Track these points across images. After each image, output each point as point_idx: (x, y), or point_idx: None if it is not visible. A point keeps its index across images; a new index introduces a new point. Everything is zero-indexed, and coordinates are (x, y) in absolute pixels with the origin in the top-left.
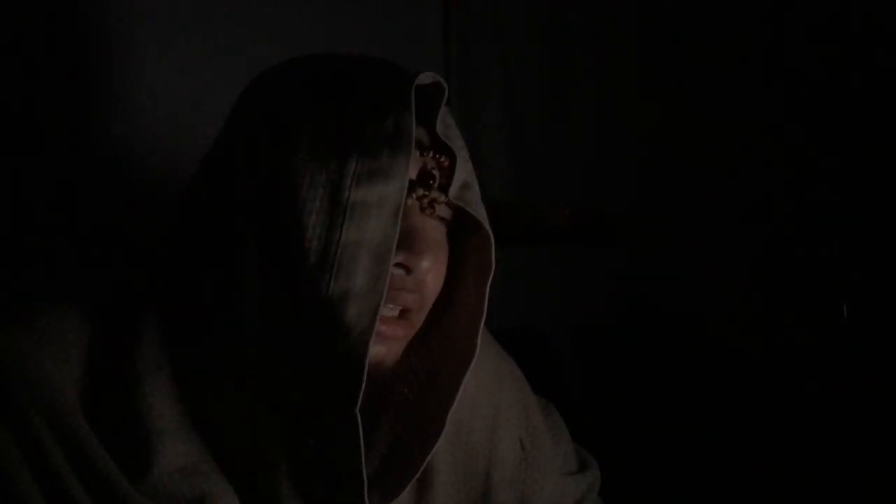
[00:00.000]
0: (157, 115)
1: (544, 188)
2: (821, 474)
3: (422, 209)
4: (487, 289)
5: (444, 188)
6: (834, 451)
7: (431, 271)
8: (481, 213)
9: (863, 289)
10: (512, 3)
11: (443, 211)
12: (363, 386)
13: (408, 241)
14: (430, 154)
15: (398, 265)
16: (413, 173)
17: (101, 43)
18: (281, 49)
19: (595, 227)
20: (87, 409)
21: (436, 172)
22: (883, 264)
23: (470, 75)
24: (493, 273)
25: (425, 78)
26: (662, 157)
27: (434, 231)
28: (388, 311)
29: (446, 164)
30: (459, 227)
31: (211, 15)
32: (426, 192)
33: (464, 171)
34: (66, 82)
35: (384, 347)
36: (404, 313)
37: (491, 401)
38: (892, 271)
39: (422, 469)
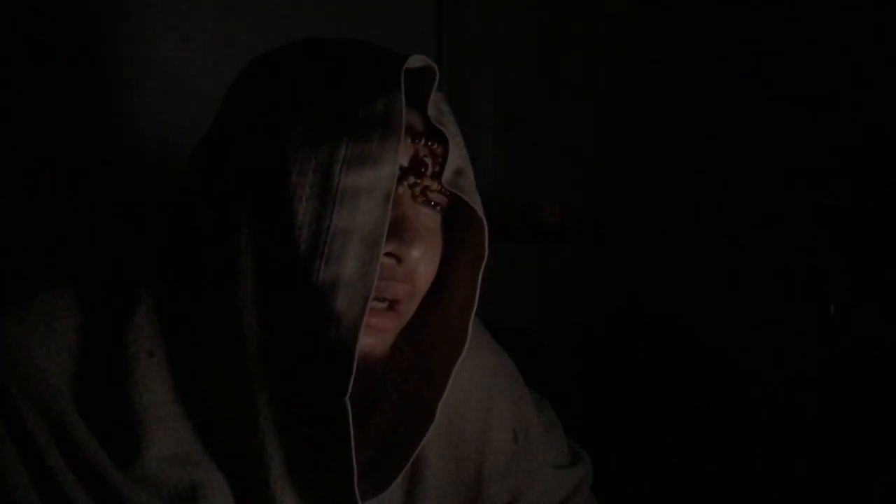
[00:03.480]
0: (151, 101)
1: (536, 186)
2: (807, 471)
3: (413, 197)
4: (480, 277)
5: (436, 175)
6: (819, 448)
7: (422, 261)
8: (476, 200)
9: (849, 287)
10: (505, 2)
11: (437, 198)
12: (353, 374)
13: (399, 229)
14: (423, 141)
15: (388, 254)
16: (405, 160)
17: (99, 23)
18: (273, 33)
19: (586, 226)
20: (77, 395)
21: (428, 160)
22: (868, 263)
23: (462, 71)
24: (485, 260)
25: (416, 61)
26: (654, 157)
27: (426, 219)
28: (377, 303)
29: (439, 150)
30: (454, 213)
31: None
32: (418, 181)
33: (458, 156)
34: (63, 65)
35: (373, 339)
36: (394, 304)
37: (484, 393)
38: (877, 270)
39: (412, 458)
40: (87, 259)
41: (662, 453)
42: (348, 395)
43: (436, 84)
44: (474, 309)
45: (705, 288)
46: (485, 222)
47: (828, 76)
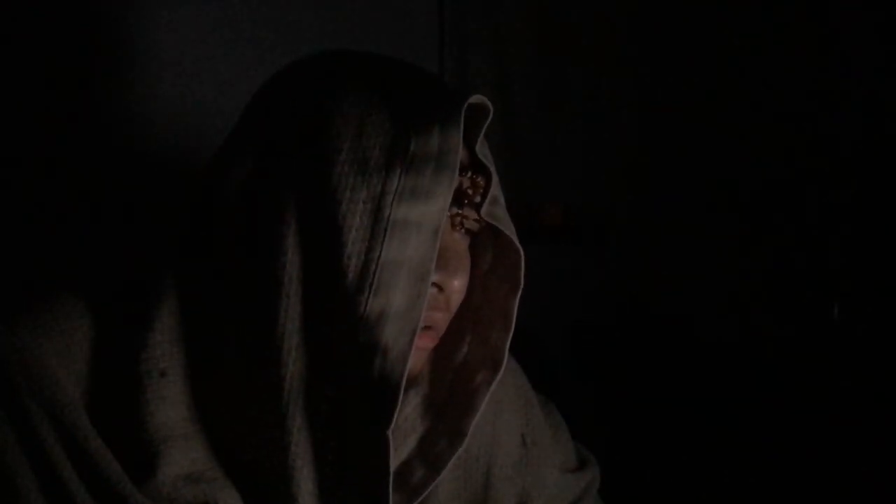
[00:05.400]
0: (164, 104)
1: (537, 186)
2: (809, 471)
3: (453, 226)
4: (516, 304)
5: (475, 205)
6: (821, 448)
7: (461, 290)
8: (511, 230)
9: (853, 289)
10: (507, 3)
11: (472, 226)
12: (398, 408)
13: (442, 260)
14: (468, 173)
15: (432, 284)
16: None
17: (111, 21)
18: (275, 32)
19: (587, 226)
20: (90, 406)
21: (470, 191)
22: (872, 265)
23: (463, 73)
24: (521, 288)
25: (473, 99)
26: (656, 157)
27: (460, 246)
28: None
29: (482, 182)
30: (484, 234)
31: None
32: (459, 211)
33: (493, 186)
34: (78, 63)
35: (414, 360)
36: (429, 328)
37: (492, 397)
38: (881, 271)
39: (440, 477)
40: (104, 268)
41: (667, 455)
42: (392, 427)
43: (488, 122)
44: (510, 334)
45: (707, 288)
46: (521, 251)
47: (829, 76)
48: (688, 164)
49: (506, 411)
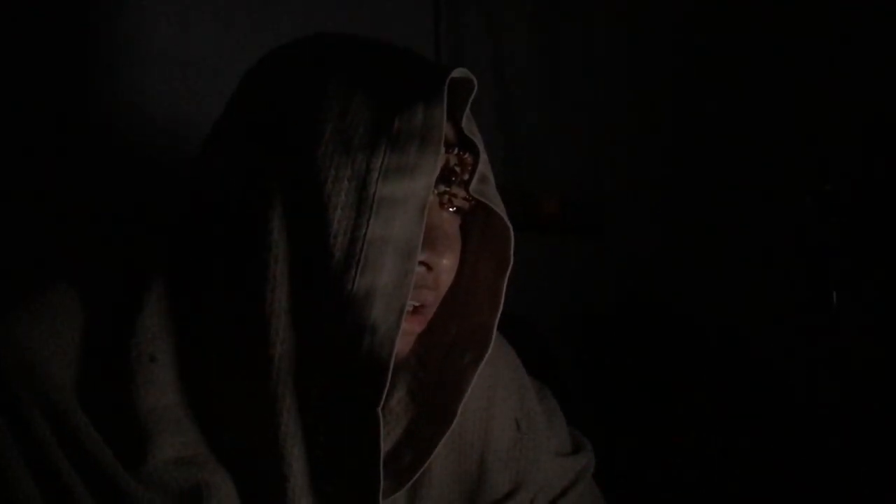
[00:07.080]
0: (152, 94)
1: (536, 177)
2: (808, 460)
3: (441, 205)
4: (505, 283)
5: (463, 183)
6: (821, 438)
7: (450, 269)
8: (501, 208)
9: (851, 277)
10: None
11: (461, 204)
12: (388, 385)
13: (430, 238)
14: (454, 150)
15: (420, 262)
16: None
17: (99, 13)
18: (271, 31)
19: (585, 217)
20: (81, 394)
21: (457, 168)
22: (870, 252)
23: (461, 63)
24: (511, 267)
25: (456, 73)
26: (654, 148)
27: (450, 225)
28: (408, 306)
29: (469, 160)
30: (474, 214)
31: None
32: (447, 189)
33: (482, 164)
34: (66, 56)
35: (401, 343)
36: (419, 308)
37: (486, 381)
38: (878, 259)
39: (430, 459)
40: (95, 257)
41: (663, 442)
42: (381, 405)
43: (472, 96)
44: (499, 313)
45: (705, 278)
46: (510, 229)
47: (827, 65)
48: (685, 155)
49: (500, 396)
